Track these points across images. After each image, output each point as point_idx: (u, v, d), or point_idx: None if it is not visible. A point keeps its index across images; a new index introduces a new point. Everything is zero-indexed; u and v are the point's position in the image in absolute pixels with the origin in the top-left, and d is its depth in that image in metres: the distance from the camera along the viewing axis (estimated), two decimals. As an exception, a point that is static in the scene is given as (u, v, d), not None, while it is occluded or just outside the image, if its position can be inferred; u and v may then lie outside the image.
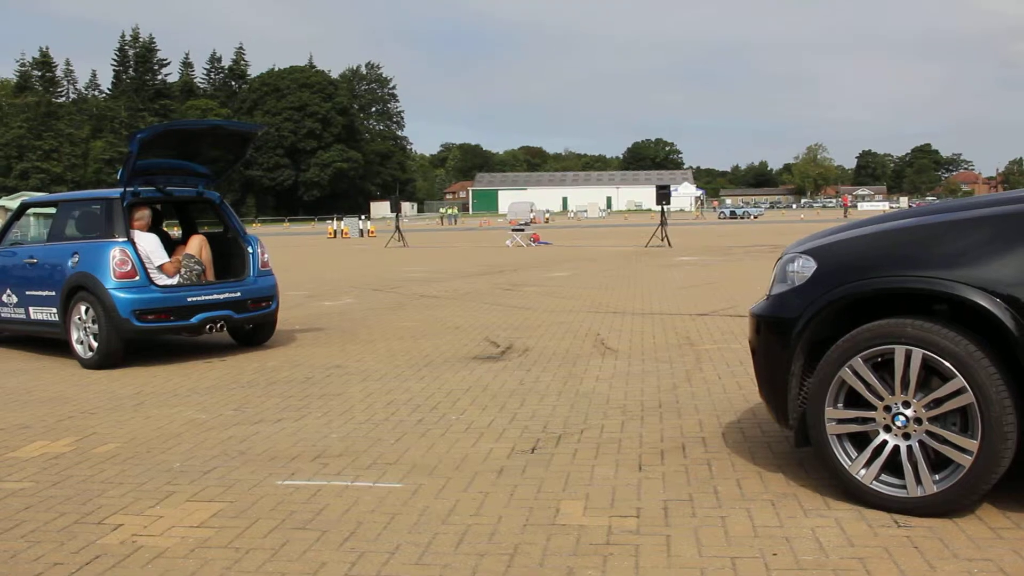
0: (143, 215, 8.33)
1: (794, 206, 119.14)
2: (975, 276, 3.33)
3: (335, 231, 46.45)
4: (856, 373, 3.56)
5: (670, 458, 4.49)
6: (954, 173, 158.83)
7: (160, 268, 8.08)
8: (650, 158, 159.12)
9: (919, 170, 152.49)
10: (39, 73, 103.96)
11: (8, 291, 8.87)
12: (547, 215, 77.91)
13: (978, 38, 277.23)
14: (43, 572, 3.29)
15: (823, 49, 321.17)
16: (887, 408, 3.52)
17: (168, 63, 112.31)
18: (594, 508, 3.78)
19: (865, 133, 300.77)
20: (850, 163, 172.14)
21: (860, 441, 3.64)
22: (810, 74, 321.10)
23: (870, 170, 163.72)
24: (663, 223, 28.29)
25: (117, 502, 4.08)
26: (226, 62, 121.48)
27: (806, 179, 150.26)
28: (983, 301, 3.29)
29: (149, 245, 8.12)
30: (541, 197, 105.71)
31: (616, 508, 3.77)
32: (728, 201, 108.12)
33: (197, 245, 8.47)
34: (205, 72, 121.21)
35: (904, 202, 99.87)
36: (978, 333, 3.38)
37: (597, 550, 3.32)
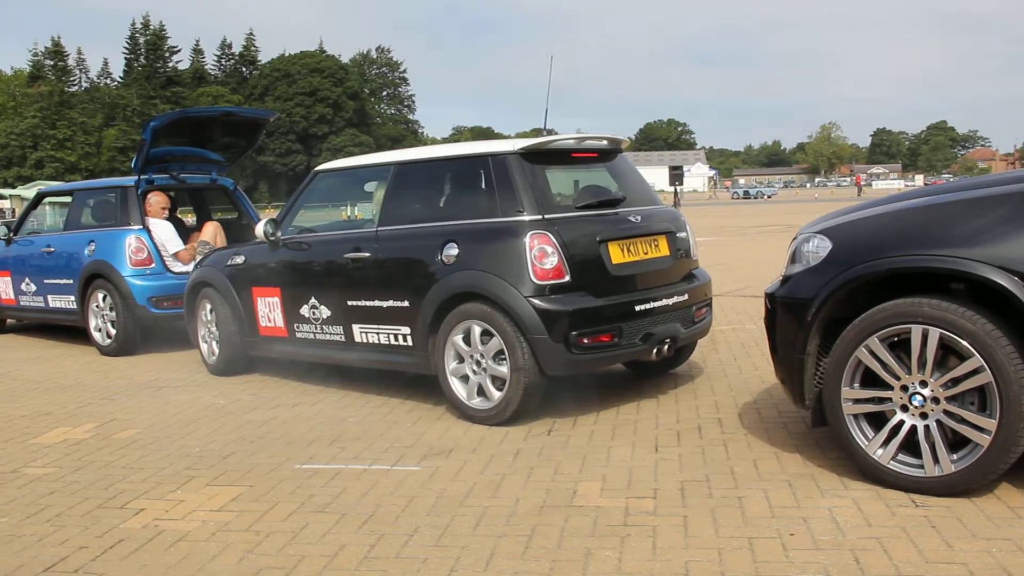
0: (162, 202, 8.36)
1: (808, 185, 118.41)
2: (993, 254, 3.30)
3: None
4: (872, 353, 3.55)
5: (686, 439, 4.50)
6: (971, 150, 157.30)
7: (175, 256, 8.13)
8: (662, 139, 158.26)
9: (935, 147, 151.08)
10: (51, 62, 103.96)
11: (27, 280, 8.95)
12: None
13: (994, 12, 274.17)
14: (69, 556, 3.34)
15: (836, 26, 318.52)
16: (904, 388, 3.51)
17: (179, 50, 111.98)
18: (611, 489, 3.80)
19: (879, 111, 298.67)
20: (864, 141, 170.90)
21: (877, 421, 3.63)
22: (823, 52, 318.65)
23: (885, 148, 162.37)
24: (676, 204, 28.23)
25: (139, 487, 4.13)
26: (236, 48, 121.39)
27: (820, 158, 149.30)
28: (1001, 280, 3.27)
29: (164, 233, 8.16)
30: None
31: (633, 489, 3.79)
32: (741, 181, 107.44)
33: (212, 231, 8.50)
34: (216, 59, 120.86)
35: (920, 180, 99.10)
36: (996, 312, 3.36)
37: (614, 531, 3.34)
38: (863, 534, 3.19)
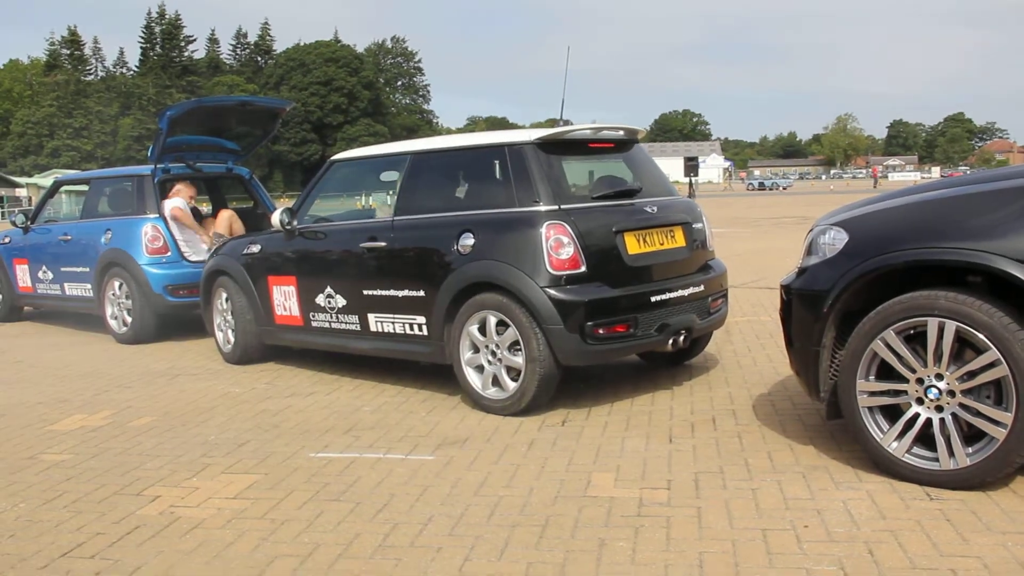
0: (188, 191, 8.40)
1: (823, 177, 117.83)
2: (1010, 247, 3.28)
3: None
4: (888, 345, 3.54)
5: (700, 431, 4.49)
6: (988, 142, 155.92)
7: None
8: (678, 129, 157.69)
9: (952, 139, 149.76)
10: (68, 52, 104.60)
11: (44, 268, 9.01)
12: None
13: (1012, 3, 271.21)
14: (85, 542, 3.37)
15: (852, 18, 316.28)
16: (919, 381, 3.50)
17: (194, 39, 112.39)
18: (625, 480, 3.80)
19: (896, 102, 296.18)
20: (881, 133, 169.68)
21: (892, 414, 3.62)
22: (840, 43, 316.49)
23: (901, 140, 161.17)
24: (691, 195, 28.14)
25: (155, 474, 4.16)
26: (252, 38, 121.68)
27: (836, 149, 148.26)
28: (1019, 273, 3.25)
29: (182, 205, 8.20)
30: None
31: (647, 480, 3.79)
32: (757, 172, 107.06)
33: (226, 221, 8.52)
34: (231, 48, 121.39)
35: (936, 172, 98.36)
36: (1014, 305, 3.34)
37: (628, 522, 3.35)
38: (877, 527, 3.19)
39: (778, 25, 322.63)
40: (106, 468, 4.29)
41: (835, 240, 3.83)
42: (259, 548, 3.25)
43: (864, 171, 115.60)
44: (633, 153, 5.66)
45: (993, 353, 3.29)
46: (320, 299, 5.89)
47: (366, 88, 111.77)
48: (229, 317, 6.71)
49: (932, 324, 3.42)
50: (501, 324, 4.91)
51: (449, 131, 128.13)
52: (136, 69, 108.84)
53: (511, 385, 4.90)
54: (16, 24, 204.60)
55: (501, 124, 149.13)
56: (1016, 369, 3.25)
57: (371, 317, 5.58)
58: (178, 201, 8.19)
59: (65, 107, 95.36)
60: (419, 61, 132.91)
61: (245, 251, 6.54)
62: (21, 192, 60.13)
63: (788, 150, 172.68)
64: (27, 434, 4.99)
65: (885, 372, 3.61)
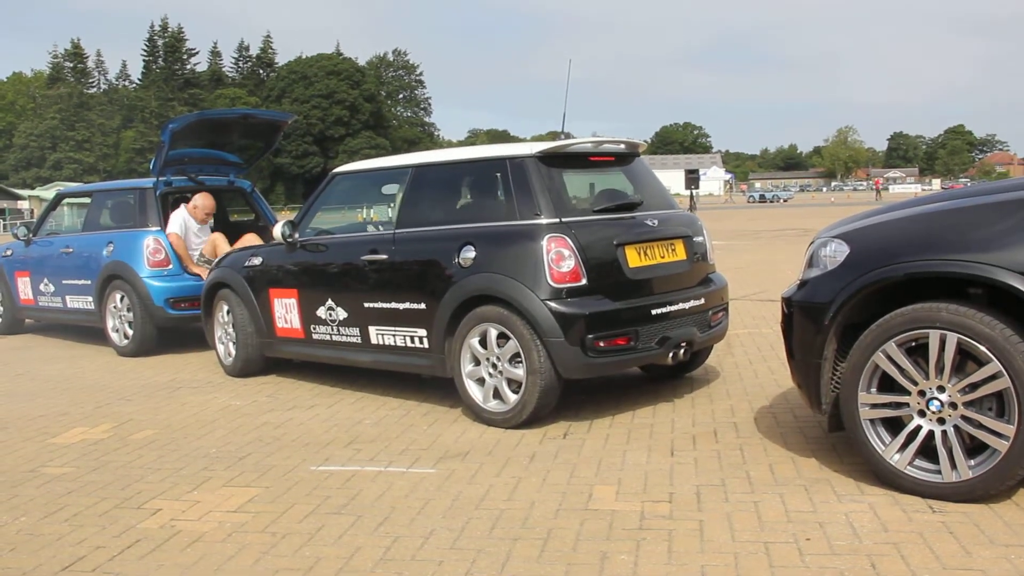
0: (207, 207, 8.32)
1: (824, 189, 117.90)
2: (1011, 259, 3.28)
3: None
4: (890, 358, 3.54)
5: (702, 443, 4.49)
6: (988, 154, 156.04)
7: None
8: (678, 142, 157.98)
9: (952, 152, 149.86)
10: (71, 64, 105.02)
11: (45, 280, 9.02)
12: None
13: (1013, 15, 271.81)
14: (86, 555, 3.37)
15: (853, 30, 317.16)
16: (921, 393, 3.49)
17: (196, 52, 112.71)
18: (627, 493, 3.80)
19: (896, 115, 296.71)
20: (881, 145, 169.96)
21: (894, 426, 3.62)
22: (840, 55, 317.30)
23: (901, 152, 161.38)
24: (692, 207, 28.15)
25: (156, 487, 4.15)
26: (254, 51, 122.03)
27: (836, 162, 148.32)
28: (1020, 284, 3.24)
29: (176, 225, 8.18)
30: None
31: (649, 493, 3.78)
32: (757, 185, 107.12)
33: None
34: (233, 61, 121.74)
35: (937, 184, 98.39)
36: (1015, 317, 3.34)
37: (630, 535, 3.34)
38: (880, 539, 3.18)
39: (779, 37, 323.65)
40: (107, 481, 4.28)
41: (836, 252, 3.83)
42: (260, 561, 3.24)
43: (865, 183, 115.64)
44: (634, 166, 5.67)
45: (995, 365, 3.29)
46: (321, 311, 5.89)
47: (368, 101, 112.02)
48: (230, 329, 6.71)
49: (934, 336, 3.42)
50: (502, 336, 4.91)
51: (450, 144, 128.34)
52: (139, 82, 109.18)
53: (512, 398, 4.89)
54: (19, 37, 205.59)
55: (502, 136, 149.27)
56: (1018, 381, 3.24)
57: (372, 330, 5.58)
58: (176, 227, 8.09)
59: (68, 120, 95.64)
60: (420, 74, 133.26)
61: (247, 263, 6.55)
62: (23, 204, 60.26)
63: (789, 162, 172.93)
64: (28, 447, 4.99)
65: (887, 384, 3.60)
